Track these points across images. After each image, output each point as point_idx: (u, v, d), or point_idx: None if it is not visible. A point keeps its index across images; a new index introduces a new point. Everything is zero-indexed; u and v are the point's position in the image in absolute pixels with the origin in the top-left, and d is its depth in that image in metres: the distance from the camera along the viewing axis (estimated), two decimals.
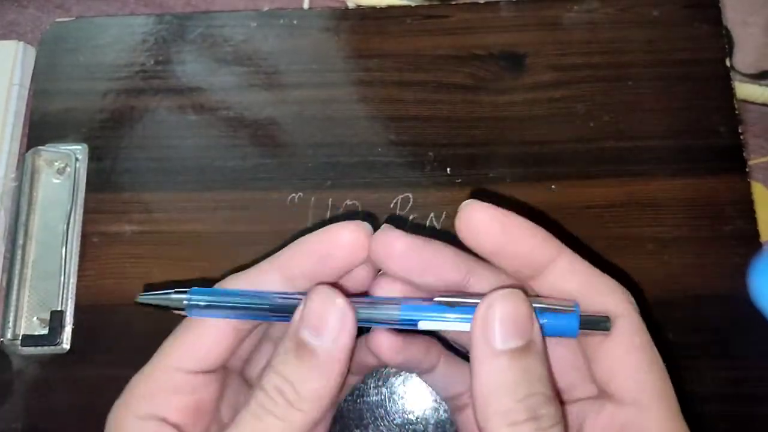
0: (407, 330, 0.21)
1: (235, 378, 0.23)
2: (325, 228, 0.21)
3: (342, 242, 0.20)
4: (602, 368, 0.20)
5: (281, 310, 0.20)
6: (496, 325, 0.19)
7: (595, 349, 0.20)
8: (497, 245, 0.20)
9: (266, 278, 0.21)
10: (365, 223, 0.20)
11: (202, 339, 0.21)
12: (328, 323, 0.19)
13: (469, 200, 0.20)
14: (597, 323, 0.19)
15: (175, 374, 0.20)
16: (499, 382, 0.18)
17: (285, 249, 0.21)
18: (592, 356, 0.20)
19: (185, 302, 0.20)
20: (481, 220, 0.20)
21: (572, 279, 0.20)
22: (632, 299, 0.20)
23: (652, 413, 0.19)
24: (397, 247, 0.20)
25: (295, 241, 0.21)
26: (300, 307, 0.19)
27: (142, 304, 0.21)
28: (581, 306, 0.20)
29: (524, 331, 0.19)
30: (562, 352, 0.21)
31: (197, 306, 0.20)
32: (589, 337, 0.20)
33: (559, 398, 0.20)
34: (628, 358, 0.19)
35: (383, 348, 0.23)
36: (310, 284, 0.20)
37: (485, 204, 0.20)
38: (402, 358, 0.23)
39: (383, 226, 0.21)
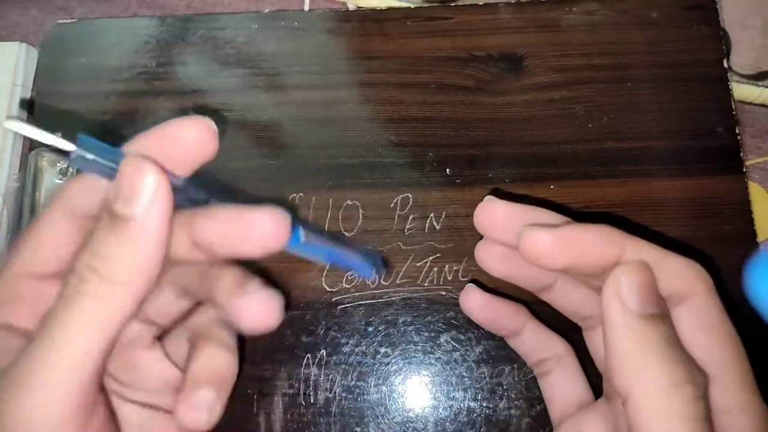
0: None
1: None
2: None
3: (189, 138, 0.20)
4: None
5: None
6: (634, 293, 0.19)
7: None
8: (566, 265, 0.20)
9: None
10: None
11: (40, 239, 0.20)
12: (140, 192, 0.18)
13: (528, 227, 0.20)
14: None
15: (20, 281, 0.20)
16: (648, 345, 0.18)
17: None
18: None
19: (73, 155, 0.18)
20: (542, 249, 0.19)
21: None
22: (704, 275, 0.20)
23: (725, 386, 0.19)
24: (499, 215, 0.21)
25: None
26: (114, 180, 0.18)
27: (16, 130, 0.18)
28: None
29: (659, 300, 0.19)
30: None
31: (84, 159, 0.19)
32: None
33: None
34: (697, 337, 0.19)
35: (471, 302, 0.25)
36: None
37: (542, 229, 0.19)
38: (487, 315, 0.24)
39: (487, 197, 0.22)
